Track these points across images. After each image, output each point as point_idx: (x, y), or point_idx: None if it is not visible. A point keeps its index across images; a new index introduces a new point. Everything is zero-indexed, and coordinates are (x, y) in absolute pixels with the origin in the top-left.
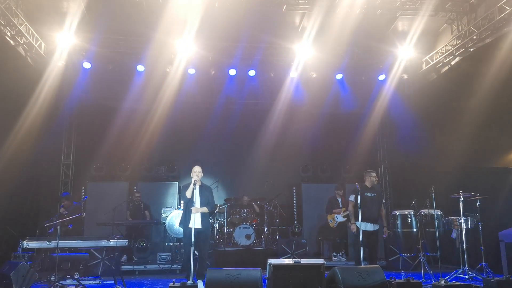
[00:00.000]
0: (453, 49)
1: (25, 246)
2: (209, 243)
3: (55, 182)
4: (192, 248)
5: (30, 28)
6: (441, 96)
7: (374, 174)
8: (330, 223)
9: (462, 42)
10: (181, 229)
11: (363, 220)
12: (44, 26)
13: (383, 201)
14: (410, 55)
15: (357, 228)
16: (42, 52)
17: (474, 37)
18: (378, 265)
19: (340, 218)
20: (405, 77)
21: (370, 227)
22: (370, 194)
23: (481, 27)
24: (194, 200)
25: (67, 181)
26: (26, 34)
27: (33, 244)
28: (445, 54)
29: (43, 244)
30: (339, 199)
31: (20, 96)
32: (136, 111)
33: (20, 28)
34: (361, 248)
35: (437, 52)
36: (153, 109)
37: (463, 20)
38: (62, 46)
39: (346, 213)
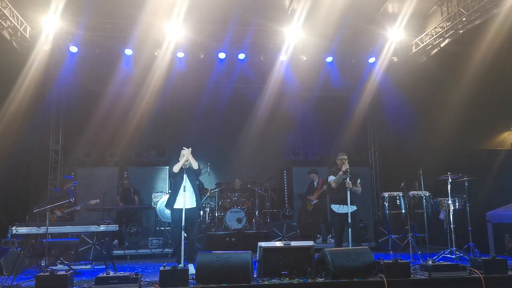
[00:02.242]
0: (442, 31)
1: (14, 232)
2: (198, 226)
3: (45, 167)
4: (183, 232)
5: (15, 11)
6: (431, 78)
7: (341, 157)
8: (307, 207)
9: (452, 24)
10: None
11: (337, 203)
12: (29, 9)
13: (359, 180)
14: (400, 37)
15: (332, 211)
16: (27, 36)
17: (464, 19)
18: (367, 246)
19: (313, 201)
20: (395, 59)
21: (345, 209)
22: (344, 176)
23: (471, 9)
24: (184, 185)
25: (56, 167)
26: (10, 18)
27: (22, 230)
28: (434, 36)
29: (32, 230)
30: (315, 182)
31: (5, 81)
32: (125, 96)
33: (4, 12)
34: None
35: (427, 34)
36: (142, 93)
37: (452, 2)
38: (47, 29)
39: (320, 192)
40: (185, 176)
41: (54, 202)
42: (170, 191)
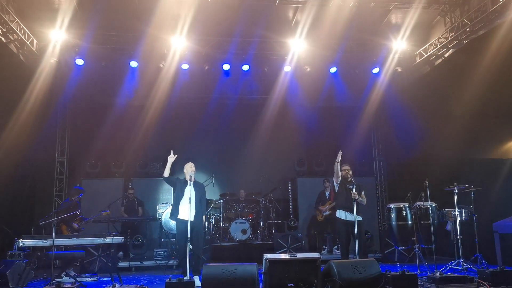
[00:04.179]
0: (446, 41)
1: (20, 244)
2: (203, 238)
3: (50, 179)
4: (188, 243)
5: (22, 25)
6: (435, 88)
7: (344, 167)
8: (318, 217)
9: (456, 34)
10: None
11: (343, 209)
12: (36, 22)
13: (363, 191)
14: (404, 48)
15: (337, 219)
16: (34, 49)
17: (467, 29)
18: (373, 258)
19: (326, 212)
20: (399, 70)
21: (351, 217)
22: (349, 186)
23: (474, 19)
24: (189, 197)
25: (61, 179)
26: (17, 31)
27: (28, 242)
28: (438, 47)
29: (39, 242)
30: (327, 193)
31: (12, 93)
32: (129, 107)
33: (12, 25)
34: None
35: (430, 45)
36: (147, 105)
37: (456, 12)
38: (54, 42)
39: (332, 205)
40: (190, 187)
41: (62, 214)
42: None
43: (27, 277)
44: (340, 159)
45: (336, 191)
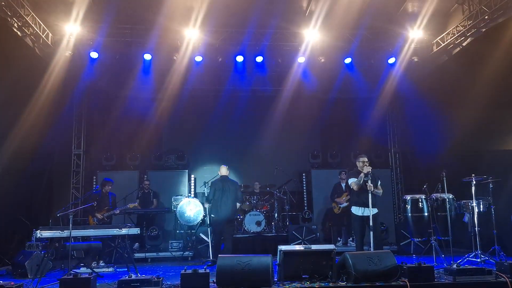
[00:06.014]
0: (464, 29)
1: (38, 235)
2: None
3: (67, 172)
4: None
5: (37, 18)
6: (453, 78)
7: (362, 159)
8: (334, 209)
9: (474, 23)
10: (192, 217)
11: (358, 205)
12: (51, 16)
13: (379, 182)
14: (420, 37)
15: (352, 215)
16: (49, 42)
17: (486, 17)
18: (389, 250)
19: (343, 204)
20: (415, 59)
21: (367, 212)
22: (365, 178)
23: (493, 7)
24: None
25: (78, 171)
26: (33, 25)
27: (46, 233)
28: (456, 35)
29: (56, 233)
30: (343, 184)
31: (28, 86)
32: (144, 100)
33: (27, 19)
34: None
35: (448, 33)
36: (161, 98)
37: (474, 0)
38: (69, 36)
39: (348, 197)
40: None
41: (79, 206)
42: (189, 195)
43: (45, 268)
44: (367, 171)
45: (350, 187)
